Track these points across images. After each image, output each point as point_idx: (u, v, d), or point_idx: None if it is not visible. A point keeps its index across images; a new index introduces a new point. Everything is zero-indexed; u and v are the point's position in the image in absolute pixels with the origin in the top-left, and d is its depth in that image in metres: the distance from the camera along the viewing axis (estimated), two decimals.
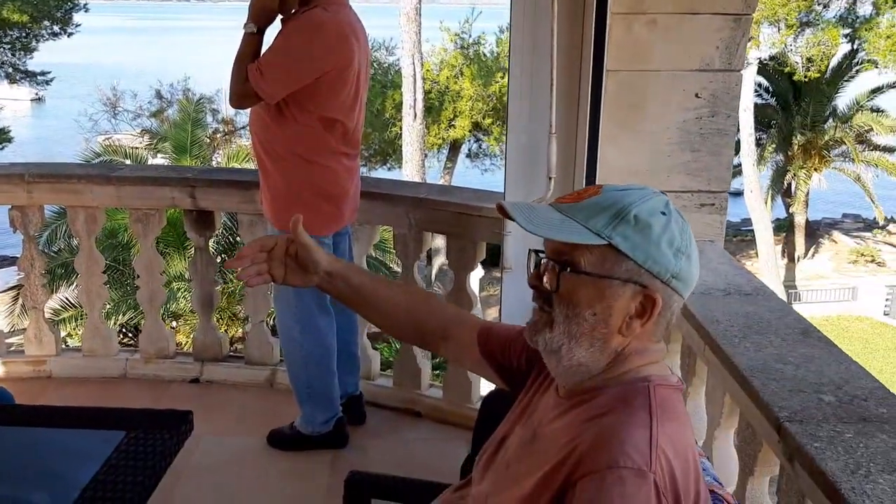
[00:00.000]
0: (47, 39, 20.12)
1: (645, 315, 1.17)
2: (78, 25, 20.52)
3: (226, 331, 9.38)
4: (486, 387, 3.48)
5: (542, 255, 1.22)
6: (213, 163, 12.65)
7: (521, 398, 1.39)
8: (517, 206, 1.21)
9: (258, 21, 2.83)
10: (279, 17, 2.85)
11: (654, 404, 1.15)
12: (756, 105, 20.04)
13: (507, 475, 1.26)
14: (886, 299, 19.79)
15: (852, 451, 1.46)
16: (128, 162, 11.64)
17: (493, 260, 3.51)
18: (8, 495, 1.60)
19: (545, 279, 1.20)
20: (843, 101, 21.75)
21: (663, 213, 1.17)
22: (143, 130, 16.71)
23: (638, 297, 1.16)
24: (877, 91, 21.78)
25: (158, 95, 18.99)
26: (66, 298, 10.45)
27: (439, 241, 10.53)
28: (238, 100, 2.87)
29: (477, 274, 3.74)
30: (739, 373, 1.80)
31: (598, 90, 2.44)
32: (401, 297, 1.59)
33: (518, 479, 1.20)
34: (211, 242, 4.01)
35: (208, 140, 13.73)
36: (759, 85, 21.30)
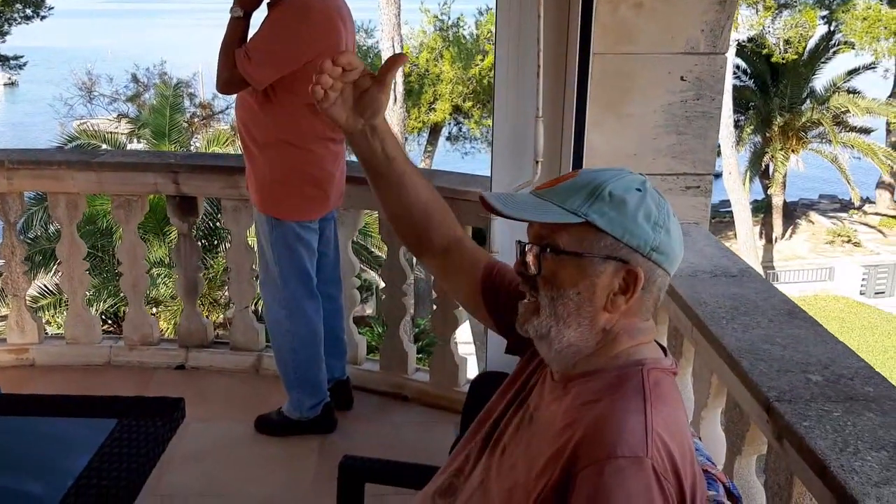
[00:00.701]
0: (20, 23, 19.83)
1: (629, 290, 1.18)
2: (51, 8, 20.24)
3: (207, 317, 9.33)
4: (473, 370, 3.50)
5: (524, 242, 1.24)
6: (192, 148, 12.52)
7: (519, 372, 1.39)
8: (496, 196, 1.24)
9: (244, 5, 2.81)
10: (265, 1, 2.83)
11: (648, 388, 1.16)
12: (734, 87, 20.14)
13: (503, 460, 1.26)
14: (862, 279, 20.04)
15: (840, 429, 1.48)
16: (104, 147, 11.51)
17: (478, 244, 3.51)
18: (1, 486, 1.59)
19: (529, 263, 1.21)
20: (820, 82, 21.92)
21: (638, 190, 1.19)
22: (119, 115, 16.53)
23: (620, 273, 1.17)
24: (853, 73, 21.97)
25: (135, 79, 18.78)
26: (45, 286, 10.35)
27: None
28: (225, 86, 2.85)
29: None
30: (727, 353, 1.82)
31: (585, 73, 2.44)
32: (425, 192, 1.46)
33: (514, 464, 1.21)
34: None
35: (186, 125, 13.60)
36: (738, 67, 21.42)
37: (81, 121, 17.55)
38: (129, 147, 12.46)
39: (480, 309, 1.48)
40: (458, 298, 1.62)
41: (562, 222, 1.17)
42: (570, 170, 2.49)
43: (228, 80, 2.80)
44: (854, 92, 21.76)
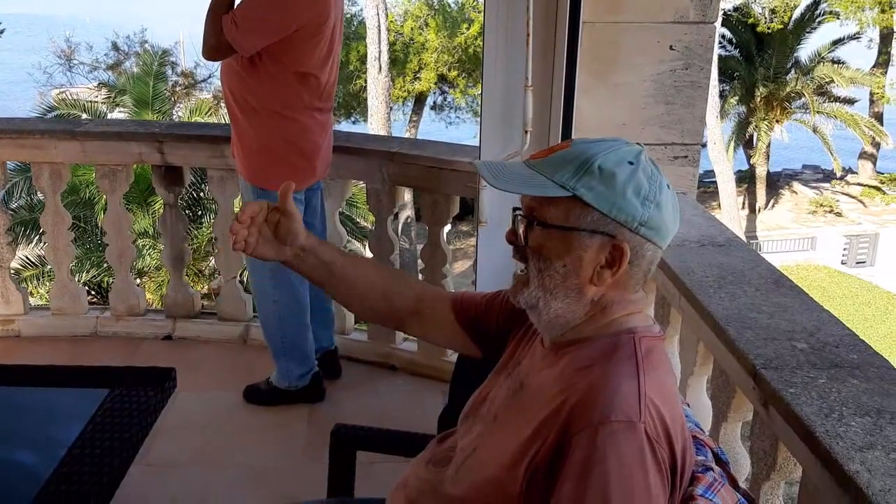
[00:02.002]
0: None
1: (615, 265, 1.18)
2: None
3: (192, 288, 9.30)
4: None
5: (518, 211, 1.24)
6: (175, 117, 12.38)
7: (507, 353, 1.41)
8: (488, 165, 1.24)
9: None
10: None
11: (640, 355, 1.17)
12: (720, 57, 20.11)
13: (495, 426, 1.28)
14: (844, 249, 20.22)
15: (825, 395, 1.51)
16: (85, 116, 11.36)
17: (459, 214, 3.52)
18: None
19: (518, 234, 1.22)
20: (805, 52, 21.92)
21: (630, 163, 1.18)
22: (100, 84, 16.27)
23: (606, 248, 1.17)
24: (838, 42, 21.97)
25: (115, 48, 18.49)
26: (27, 257, 10.27)
27: (406, 196, 10.50)
28: (211, 52, 2.81)
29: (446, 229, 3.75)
30: (715, 322, 1.84)
31: (574, 42, 2.43)
32: (373, 275, 1.56)
33: (507, 429, 1.22)
34: None
35: (168, 94, 13.44)
36: (723, 36, 21.36)
37: (61, 89, 17.30)
38: (110, 117, 12.31)
39: (467, 342, 1.52)
40: (445, 344, 1.68)
41: (549, 196, 1.17)
42: (560, 139, 2.49)
43: (215, 46, 2.77)
44: (838, 62, 21.78)
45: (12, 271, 3.86)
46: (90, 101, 13.09)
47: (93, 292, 9.73)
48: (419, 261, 3.76)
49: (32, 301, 4.01)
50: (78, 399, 1.73)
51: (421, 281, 1.53)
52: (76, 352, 3.62)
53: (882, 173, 23.59)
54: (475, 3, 18.07)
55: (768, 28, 20.47)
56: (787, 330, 1.78)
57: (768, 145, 21.77)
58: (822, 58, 21.46)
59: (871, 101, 23.09)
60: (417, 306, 1.54)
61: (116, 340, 3.76)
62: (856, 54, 23.33)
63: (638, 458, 1.07)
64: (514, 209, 1.26)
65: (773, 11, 20.30)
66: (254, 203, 1.43)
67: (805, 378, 1.57)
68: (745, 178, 22.56)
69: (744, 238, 18.82)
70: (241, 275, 3.85)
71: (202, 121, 10.82)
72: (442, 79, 18.58)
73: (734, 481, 1.25)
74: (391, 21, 16.85)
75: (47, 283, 9.62)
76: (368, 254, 3.91)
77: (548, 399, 1.17)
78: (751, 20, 20.82)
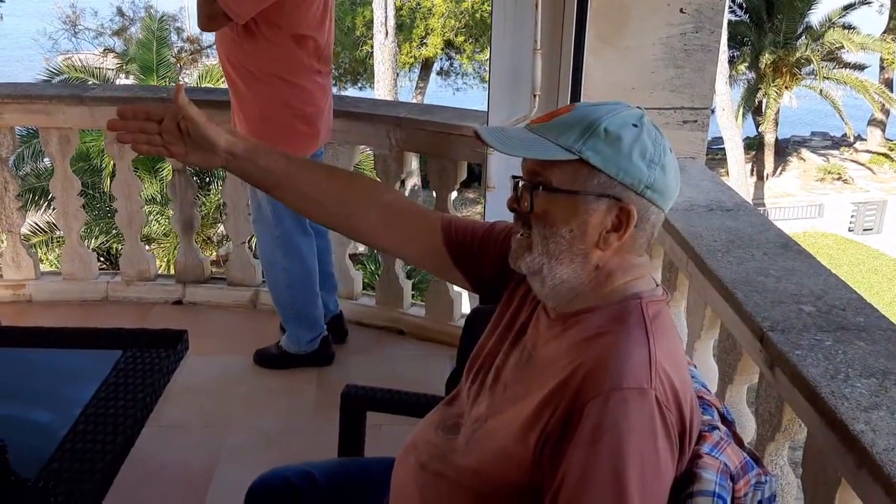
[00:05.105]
0: None
1: (621, 228, 1.18)
2: None
3: None
4: (467, 306, 3.54)
5: (519, 178, 1.23)
6: (182, 83, 12.32)
7: (503, 311, 1.40)
8: (490, 131, 1.23)
9: None
10: None
11: (648, 321, 1.17)
12: (729, 22, 19.85)
13: (504, 396, 1.28)
14: (851, 216, 20.13)
15: (832, 357, 1.52)
16: (92, 81, 11.33)
17: (465, 181, 3.52)
18: (10, 414, 1.62)
19: (521, 200, 1.21)
20: (815, 17, 21.62)
21: (635, 126, 1.17)
22: (105, 49, 16.21)
23: (613, 211, 1.17)
24: (849, 7, 21.66)
25: (120, 13, 18.39)
26: (36, 223, 10.32)
27: (413, 163, 10.47)
28: (206, 21, 2.78)
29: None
30: (723, 285, 1.85)
31: (584, 5, 2.42)
32: (325, 182, 1.48)
33: (517, 399, 1.23)
34: None
35: (174, 60, 13.38)
36: (733, 1, 21.07)
37: (66, 55, 17.24)
38: (117, 83, 12.27)
39: (448, 267, 1.46)
40: (425, 266, 1.59)
41: (555, 159, 1.17)
42: (568, 103, 2.48)
43: (209, 14, 2.73)
44: (849, 27, 21.49)
45: (22, 237, 3.89)
46: (97, 68, 13.04)
47: (102, 258, 9.79)
48: None
49: (42, 267, 4.03)
50: (92, 360, 1.75)
51: (401, 194, 1.40)
52: (87, 316, 3.65)
53: (891, 140, 23.37)
54: None
55: None
56: (794, 293, 1.79)
57: (777, 112, 21.58)
58: (833, 23, 21.17)
59: (882, 68, 22.82)
60: (388, 219, 1.46)
61: (127, 305, 3.80)
62: (867, 19, 23.02)
63: (649, 425, 1.08)
64: (514, 177, 1.25)
65: None
66: (152, 105, 1.35)
67: (812, 340, 1.59)
68: (754, 145, 22.40)
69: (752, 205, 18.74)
70: (249, 241, 3.86)
71: (212, 86, 10.78)
72: (449, 44, 18.41)
73: (740, 440, 1.27)
74: None
75: (56, 250, 9.67)
76: None
77: (558, 369, 1.17)
78: None
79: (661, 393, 1.10)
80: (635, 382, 1.09)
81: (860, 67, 21.74)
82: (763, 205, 20.35)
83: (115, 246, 9.54)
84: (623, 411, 1.08)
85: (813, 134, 25.29)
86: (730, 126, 19.27)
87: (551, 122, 1.20)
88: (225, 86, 3.11)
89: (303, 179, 1.45)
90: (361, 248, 12.62)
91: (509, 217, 1.31)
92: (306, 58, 2.87)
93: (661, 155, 1.18)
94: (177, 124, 1.35)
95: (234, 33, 2.81)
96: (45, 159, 9.69)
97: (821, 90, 20.76)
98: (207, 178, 10.10)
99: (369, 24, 16.25)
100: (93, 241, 9.47)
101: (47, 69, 13.11)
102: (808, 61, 20.77)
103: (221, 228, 9.87)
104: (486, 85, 2.67)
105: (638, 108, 1.22)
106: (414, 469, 1.35)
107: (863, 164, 22.42)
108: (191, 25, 18.42)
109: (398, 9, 16.09)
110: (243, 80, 2.88)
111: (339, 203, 1.46)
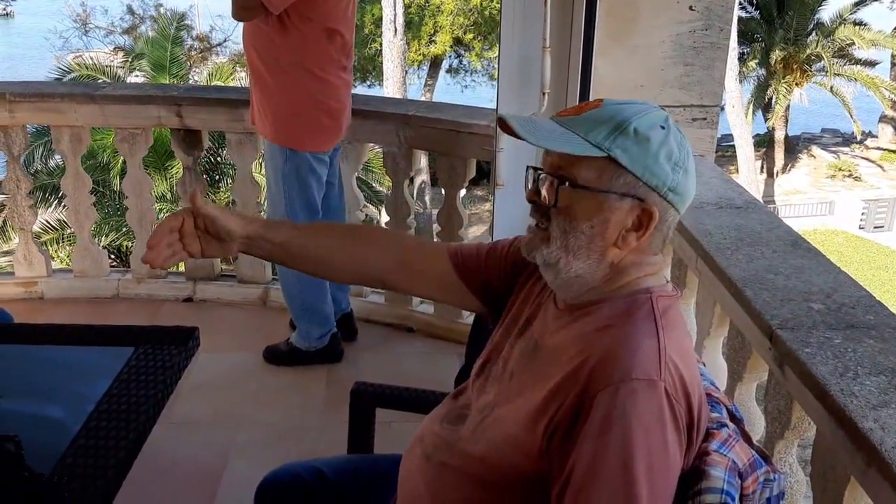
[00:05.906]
0: None
1: (641, 228, 1.18)
2: None
3: None
4: None
5: (539, 170, 1.23)
6: (192, 81, 12.35)
7: (510, 307, 1.41)
8: (519, 120, 1.21)
9: None
10: None
11: (658, 314, 1.18)
12: (739, 18, 19.77)
13: (511, 386, 1.28)
14: (862, 213, 20.04)
15: (841, 355, 1.52)
16: (103, 79, 11.37)
17: (474, 179, 3.53)
18: (24, 411, 1.64)
19: (543, 193, 1.21)
20: (826, 14, 21.52)
21: (662, 128, 1.18)
22: (116, 48, 16.26)
23: (635, 211, 1.17)
24: (860, 4, 21.55)
25: (130, 11, 18.44)
26: (47, 221, 10.37)
27: (422, 161, 10.47)
28: (241, 11, 2.79)
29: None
30: (732, 283, 1.85)
31: (593, 2, 2.42)
32: (333, 243, 1.52)
33: (523, 389, 1.23)
34: None
35: (184, 58, 13.40)
36: None
37: (77, 53, 17.30)
38: (128, 81, 12.30)
39: (463, 292, 1.48)
40: (440, 298, 1.61)
41: (583, 155, 1.16)
42: (577, 101, 2.49)
43: (244, 5, 2.75)
44: (860, 24, 21.37)
45: (34, 234, 3.91)
46: (107, 66, 13.08)
47: (112, 256, 9.83)
48: (435, 224, 3.77)
49: (54, 265, 4.06)
50: (104, 357, 1.76)
51: (408, 234, 1.45)
52: (99, 313, 3.68)
53: None
54: None
55: None
56: (803, 291, 1.79)
57: (787, 109, 21.48)
58: (844, 19, 21.06)
59: (893, 64, 22.68)
60: (401, 261, 1.49)
61: (138, 302, 3.82)
62: (878, 16, 22.89)
63: (657, 416, 1.09)
64: (531, 168, 1.25)
65: None
66: (172, 217, 1.40)
67: (821, 338, 1.58)
68: (764, 142, 22.31)
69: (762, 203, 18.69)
70: None
71: (222, 84, 10.81)
72: (458, 42, 18.38)
73: (748, 438, 1.27)
74: None
75: (67, 247, 9.72)
76: (385, 218, 3.93)
77: (566, 359, 1.18)
78: None
79: (671, 385, 1.10)
80: (644, 374, 1.10)
81: (871, 64, 21.61)
82: (773, 202, 20.28)
83: (125, 243, 9.57)
84: (632, 402, 1.08)
85: (823, 131, 25.17)
86: (740, 123, 19.20)
87: (581, 117, 1.19)
88: (234, 84, 3.12)
89: (314, 244, 1.49)
90: None
91: (517, 215, 1.31)
92: (335, 52, 2.89)
93: (685, 158, 1.19)
94: (193, 225, 1.39)
95: (266, 25, 2.82)
96: (55, 156, 9.74)
97: (831, 87, 20.65)
98: (217, 177, 10.12)
99: (378, 22, 16.23)
100: (103, 238, 9.51)
101: (58, 67, 13.14)
102: (819, 58, 20.67)
103: None
104: (494, 82, 2.67)
105: (663, 110, 1.22)
106: (420, 461, 1.36)
107: (873, 161, 22.31)
108: (200, 24, 18.49)
109: (407, 6, 16.07)
110: (271, 73, 2.89)
111: (352, 259, 1.51)
